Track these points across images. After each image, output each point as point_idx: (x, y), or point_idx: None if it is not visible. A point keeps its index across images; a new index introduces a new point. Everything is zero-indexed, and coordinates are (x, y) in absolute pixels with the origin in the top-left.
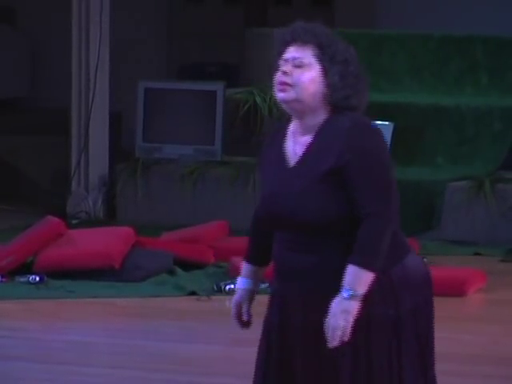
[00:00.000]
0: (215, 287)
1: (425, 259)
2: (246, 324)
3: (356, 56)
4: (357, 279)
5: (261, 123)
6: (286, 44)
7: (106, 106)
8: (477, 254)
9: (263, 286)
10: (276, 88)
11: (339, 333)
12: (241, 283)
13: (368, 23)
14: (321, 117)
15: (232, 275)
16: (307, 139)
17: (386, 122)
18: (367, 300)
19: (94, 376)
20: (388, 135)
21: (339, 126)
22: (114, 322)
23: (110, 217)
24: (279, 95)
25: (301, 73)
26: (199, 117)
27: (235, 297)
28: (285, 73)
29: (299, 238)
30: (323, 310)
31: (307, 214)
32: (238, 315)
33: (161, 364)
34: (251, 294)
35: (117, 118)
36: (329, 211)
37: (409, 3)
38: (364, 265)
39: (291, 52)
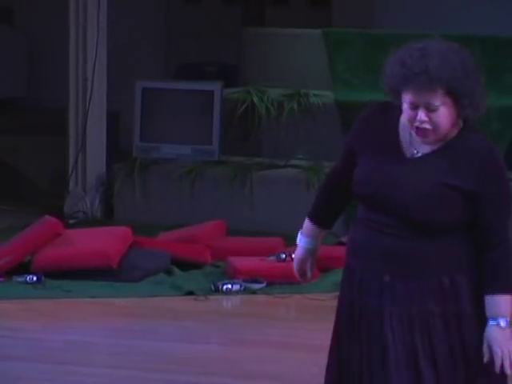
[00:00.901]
0: (213, 287)
1: None
2: (307, 279)
3: (474, 62)
4: (501, 306)
5: (258, 123)
6: (410, 83)
7: (103, 105)
8: None
9: (261, 286)
10: (411, 125)
11: (508, 361)
12: (303, 241)
13: (366, 23)
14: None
15: (229, 275)
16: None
17: None
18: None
19: (93, 376)
20: None
21: (471, 145)
22: (112, 321)
23: (108, 216)
24: (419, 137)
25: (437, 116)
26: (197, 116)
27: (297, 254)
28: (422, 121)
29: (401, 225)
30: (407, 298)
31: (425, 215)
32: (301, 271)
33: (159, 364)
34: (313, 253)
35: (114, 117)
36: (446, 219)
37: (407, 3)
38: (505, 291)
39: (421, 97)
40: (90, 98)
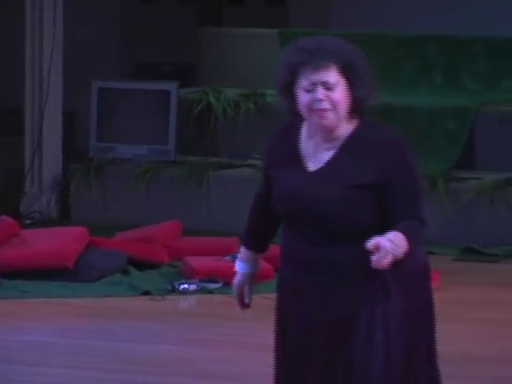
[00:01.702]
0: (169, 287)
1: None
2: (246, 306)
3: (364, 55)
4: (400, 241)
5: (215, 123)
6: (306, 65)
7: (59, 105)
8: (430, 253)
9: (217, 285)
10: (309, 112)
11: (389, 258)
12: (240, 267)
13: (322, 23)
14: (344, 125)
15: (186, 275)
16: (333, 145)
17: None
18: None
19: (50, 376)
20: None
21: (373, 140)
22: (69, 322)
23: (64, 217)
24: (320, 122)
25: (334, 94)
26: (153, 116)
27: (236, 280)
28: (319, 100)
29: (322, 234)
30: (338, 305)
31: (341, 222)
32: (240, 297)
33: (115, 364)
34: (251, 278)
35: (70, 117)
36: (363, 221)
37: (363, 3)
38: (406, 234)
39: (317, 75)
40: (46, 98)
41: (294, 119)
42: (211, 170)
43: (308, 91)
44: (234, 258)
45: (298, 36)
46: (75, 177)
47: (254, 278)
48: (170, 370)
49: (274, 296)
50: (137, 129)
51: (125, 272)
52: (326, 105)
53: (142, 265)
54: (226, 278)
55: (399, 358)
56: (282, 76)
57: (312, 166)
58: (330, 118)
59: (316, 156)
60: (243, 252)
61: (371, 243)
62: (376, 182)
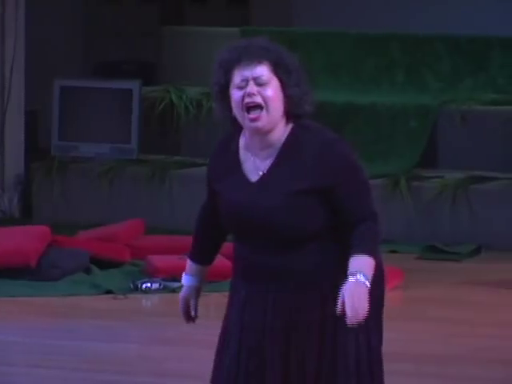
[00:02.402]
0: (131, 286)
1: None
2: (192, 319)
3: (297, 58)
4: (366, 265)
5: (177, 121)
6: (238, 62)
7: (21, 104)
8: (393, 251)
9: (179, 284)
10: (243, 113)
11: (362, 312)
12: (186, 280)
13: (284, 22)
14: (281, 129)
15: (148, 274)
16: (270, 153)
17: None
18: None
19: (13, 375)
20: None
21: (309, 143)
22: (31, 321)
23: (26, 216)
24: (252, 125)
25: (265, 90)
26: (115, 115)
27: (181, 293)
28: (252, 94)
29: (271, 243)
30: (291, 311)
31: (289, 230)
32: (185, 310)
33: (78, 363)
34: (197, 291)
35: (33, 116)
36: (311, 226)
37: (326, 2)
38: (367, 253)
39: (248, 71)
40: (8, 96)
41: (233, 131)
42: (174, 168)
43: (240, 88)
44: None
45: (259, 35)
46: (37, 176)
47: (199, 292)
48: (133, 368)
49: None
50: (99, 127)
51: (87, 271)
52: (257, 99)
53: (104, 264)
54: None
55: (353, 356)
56: (216, 77)
57: (253, 176)
58: (263, 119)
59: (255, 166)
60: (189, 265)
61: (338, 309)
62: (318, 185)
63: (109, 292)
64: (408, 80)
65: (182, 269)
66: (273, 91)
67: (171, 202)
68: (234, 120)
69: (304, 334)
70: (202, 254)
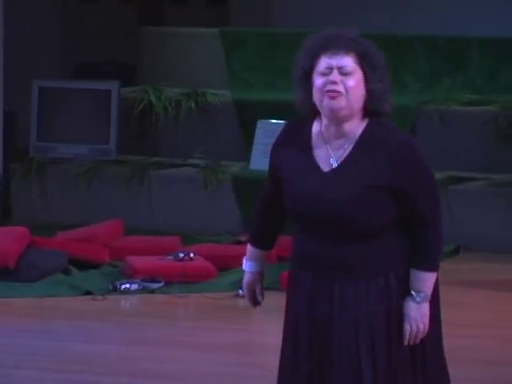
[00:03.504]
0: (110, 286)
1: None
2: (259, 303)
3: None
4: (426, 283)
5: (156, 122)
6: (325, 50)
7: (0, 105)
8: None
9: (159, 285)
10: (323, 95)
11: (420, 335)
12: (248, 266)
13: (264, 22)
14: (357, 122)
15: (127, 274)
16: (344, 145)
17: (281, 121)
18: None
19: None
20: None
21: (386, 139)
22: (10, 321)
23: (5, 216)
24: (330, 104)
25: (348, 80)
26: (94, 116)
27: (245, 280)
28: (334, 82)
29: (336, 235)
30: (356, 302)
31: (356, 223)
32: (251, 296)
33: (57, 364)
34: (260, 276)
35: (11, 117)
36: (378, 221)
37: (306, 3)
38: (430, 269)
39: (334, 60)
40: None
41: (305, 116)
42: (152, 169)
43: (324, 75)
44: (176, 257)
45: (239, 35)
46: (16, 176)
47: (262, 277)
48: (111, 369)
49: (215, 295)
50: (78, 128)
51: (66, 272)
52: (339, 88)
53: (83, 264)
54: (168, 277)
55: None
56: (302, 62)
57: (324, 165)
58: (341, 101)
59: (328, 155)
60: (251, 251)
61: (405, 341)
62: (391, 184)
63: (88, 293)
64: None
65: (161, 270)
66: (355, 82)
67: (150, 202)
68: (313, 106)
69: (370, 326)
70: (264, 240)
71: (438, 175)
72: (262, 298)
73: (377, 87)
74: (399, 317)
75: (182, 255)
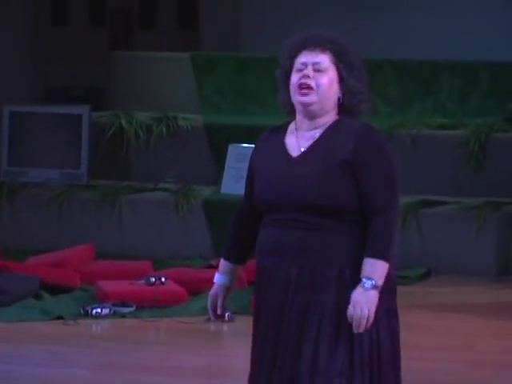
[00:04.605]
0: (82, 311)
1: None
2: (219, 317)
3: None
4: (376, 271)
5: (127, 146)
6: (303, 49)
7: None
8: None
9: (130, 309)
10: (296, 90)
11: (364, 321)
12: (218, 278)
13: (234, 47)
14: (330, 117)
15: (98, 299)
16: (314, 134)
17: (253, 145)
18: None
19: None
20: None
21: (350, 125)
22: None
23: None
24: (301, 98)
25: (321, 77)
26: (65, 140)
27: (212, 291)
28: (307, 76)
29: (301, 217)
30: (314, 287)
31: (319, 200)
32: (213, 307)
33: None
34: (227, 290)
35: None
36: (340, 197)
37: (274, 28)
38: (381, 257)
39: (310, 57)
40: None
41: (277, 126)
42: (123, 193)
43: (299, 71)
44: (148, 282)
45: (210, 60)
46: None
47: (229, 291)
48: None
49: (186, 319)
50: (49, 153)
51: (37, 296)
52: (310, 82)
53: (54, 289)
54: (139, 301)
55: (367, 350)
56: (282, 62)
57: (294, 152)
58: (312, 96)
59: (298, 144)
60: (222, 264)
61: (349, 319)
62: (351, 161)
63: (59, 317)
64: None
65: (132, 294)
66: (328, 80)
67: (121, 227)
68: (292, 107)
69: (319, 314)
70: (237, 253)
71: (410, 199)
72: (222, 311)
73: (352, 86)
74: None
75: (153, 279)
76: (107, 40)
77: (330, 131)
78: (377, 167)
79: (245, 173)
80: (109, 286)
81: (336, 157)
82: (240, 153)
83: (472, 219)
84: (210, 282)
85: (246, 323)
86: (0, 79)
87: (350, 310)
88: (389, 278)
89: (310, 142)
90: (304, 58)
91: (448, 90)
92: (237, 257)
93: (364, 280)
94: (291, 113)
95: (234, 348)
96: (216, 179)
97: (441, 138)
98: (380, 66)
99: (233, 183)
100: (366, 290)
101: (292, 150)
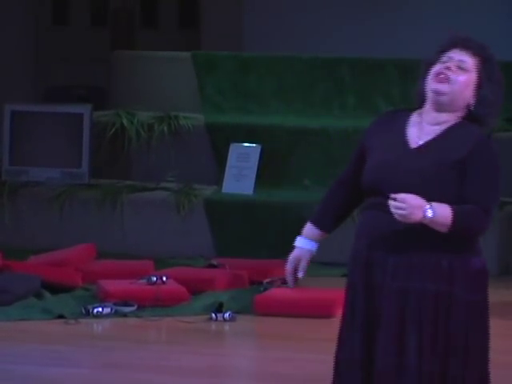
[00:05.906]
0: (83, 310)
1: None
2: (296, 280)
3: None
4: (442, 214)
5: (128, 146)
6: (453, 47)
7: None
8: (345, 275)
9: (132, 309)
10: (433, 78)
11: (405, 213)
12: (302, 242)
13: (235, 46)
14: (456, 116)
15: (100, 298)
16: (435, 129)
17: (254, 144)
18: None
19: None
20: (255, 157)
21: (471, 130)
22: None
23: None
24: (435, 85)
25: (461, 74)
26: (66, 140)
27: (293, 253)
28: (448, 68)
29: None
30: (403, 273)
31: (422, 195)
32: (293, 271)
33: None
34: (308, 253)
35: None
36: (442, 199)
37: (275, 27)
38: (454, 218)
39: (458, 54)
40: None
41: (398, 111)
42: (125, 193)
43: (443, 63)
44: (149, 281)
45: (211, 59)
46: None
47: (310, 258)
48: None
49: (188, 319)
50: (50, 152)
51: (38, 295)
52: (450, 74)
53: (55, 288)
54: (140, 301)
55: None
56: (430, 56)
57: (413, 144)
58: (446, 87)
59: (419, 135)
60: (308, 228)
61: (397, 195)
62: (466, 157)
63: (60, 317)
64: (359, 104)
65: (134, 293)
66: (466, 79)
67: (122, 226)
68: (423, 96)
69: (419, 301)
70: (327, 220)
71: None
72: (303, 274)
73: (485, 96)
74: (449, 302)
75: (154, 279)
76: (109, 39)
77: (451, 131)
78: (483, 173)
79: (246, 172)
80: (110, 285)
81: (449, 158)
82: (241, 152)
83: None
84: (211, 282)
85: (247, 323)
86: (1, 78)
87: (406, 199)
88: (486, 274)
89: (429, 137)
90: (452, 53)
91: None
92: (326, 223)
93: (432, 205)
94: (419, 103)
95: (235, 348)
96: (217, 179)
97: None
98: (382, 65)
99: (234, 183)
100: (425, 210)
101: (411, 141)
